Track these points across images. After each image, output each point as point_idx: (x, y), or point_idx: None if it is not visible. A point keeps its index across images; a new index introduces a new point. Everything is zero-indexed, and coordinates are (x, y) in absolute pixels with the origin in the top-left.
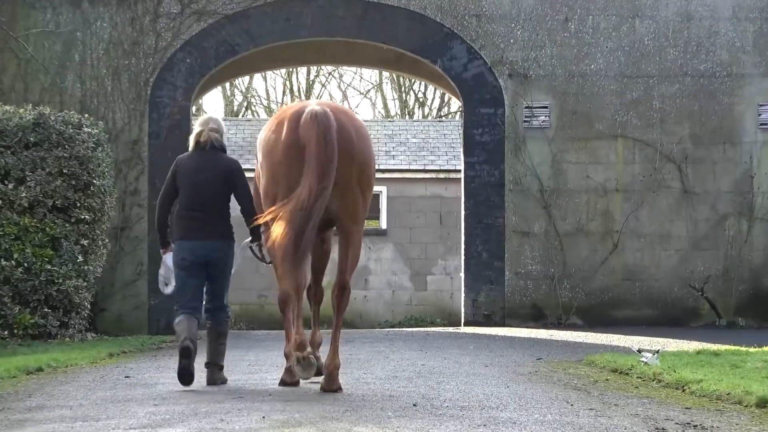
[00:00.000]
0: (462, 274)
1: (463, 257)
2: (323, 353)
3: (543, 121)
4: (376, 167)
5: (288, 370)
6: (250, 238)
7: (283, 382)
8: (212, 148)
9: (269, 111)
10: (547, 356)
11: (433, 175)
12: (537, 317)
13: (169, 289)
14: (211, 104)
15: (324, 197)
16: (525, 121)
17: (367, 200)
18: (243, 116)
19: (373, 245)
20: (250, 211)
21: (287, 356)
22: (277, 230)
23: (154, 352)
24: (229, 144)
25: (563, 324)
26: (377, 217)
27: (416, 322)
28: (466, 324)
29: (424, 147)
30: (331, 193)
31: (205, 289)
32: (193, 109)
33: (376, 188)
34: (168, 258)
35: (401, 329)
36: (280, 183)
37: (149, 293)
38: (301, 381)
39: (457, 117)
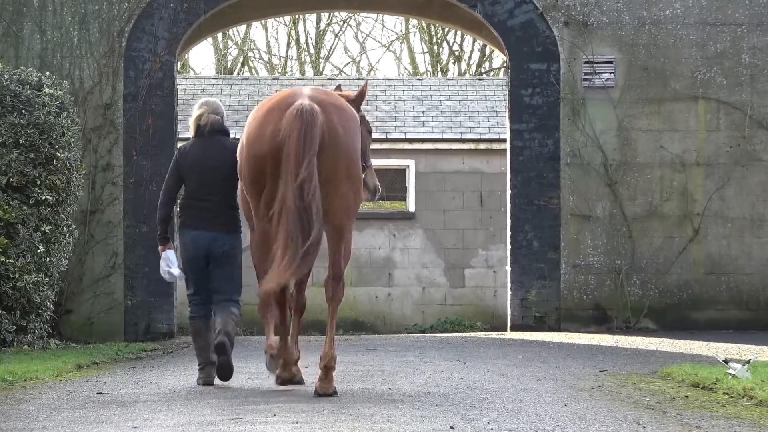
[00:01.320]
0: (508, 268)
1: (509, 246)
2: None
3: (607, 80)
4: (404, 136)
5: (284, 366)
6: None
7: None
8: (214, 132)
9: (271, 68)
10: (613, 368)
11: (472, 146)
12: (600, 320)
13: (175, 274)
14: (200, 60)
15: (310, 191)
16: (585, 80)
17: (358, 195)
18: (239, 74)
19: (399, 232)
20: None
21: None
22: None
23: (133, 363)
24: (226, 108)
25: (632, 328)
26: (403, 198)
27: (452, 326)
28: (513, 328)
29: (460, 111)
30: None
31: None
32: (178, 65)
33: (402, 162)
34: (168, 254)
35: (434, 335)
36: (257, 180)
37: (126, 291)
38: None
39: (501, 74)
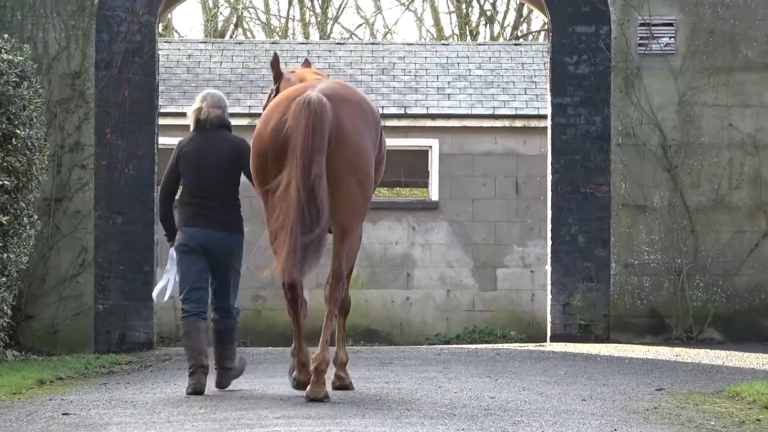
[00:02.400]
0: (548, 267)
1: (549, 242)
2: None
3: (666, 45)
4: (426, 111)
5: (299, 368)
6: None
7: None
8: (215, 126)
9: (269, 30)
10: (672, 386)
11: (507, 123)
12: (657, 329)
13: (158, 292)
14: (186, 21)
15: (319, 188)
16: (640, 45)
17: (366, 191)
18: (232, 37)
19: (419, 224)
20: None
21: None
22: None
23: (104, 379)
24: (215, 77)
25: (694, 339)
26: (425, 184)
27: (481, 336)
28: (554, 339)
29: (492, 82)
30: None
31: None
32: (160, 27)
33: (423, 142)
34: (174, 252)
35: (460, 346)
36: (265, 173)
37: (96, 293)
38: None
39: (542, 39)
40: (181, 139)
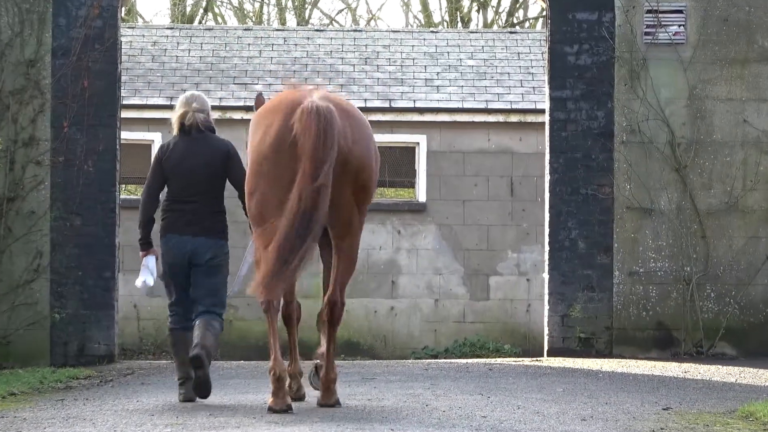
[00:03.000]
0: (546, 275)
1: (547, 248)
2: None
3: (675, 34)
4: (413, 104)
5: (276, 394)
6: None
7: (271, 409)
8: (200, 130)
9: (242, 15)
10: (680, 405)
11: (501, 118)
12: (663, 343)
13: (149, 283)
14: (150, 5)
15: (322, 198)
16: (647, 34)
17: (363, 208)
18: (201, 23)
19: (405, 228)
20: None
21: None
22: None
23: (61, 394)
24: (182, 66)
25: (705, 354)
26: (412, 184)
27: (472, 350)
28: (552, 353)
29: (485, 73)
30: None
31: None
32: (123, 11)
33: (410, 138)
34: (149, 260)
35: (449, 360)
36: (264, 180)
37: (53, 301)
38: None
39: (539, 26)
40: (164, 142)
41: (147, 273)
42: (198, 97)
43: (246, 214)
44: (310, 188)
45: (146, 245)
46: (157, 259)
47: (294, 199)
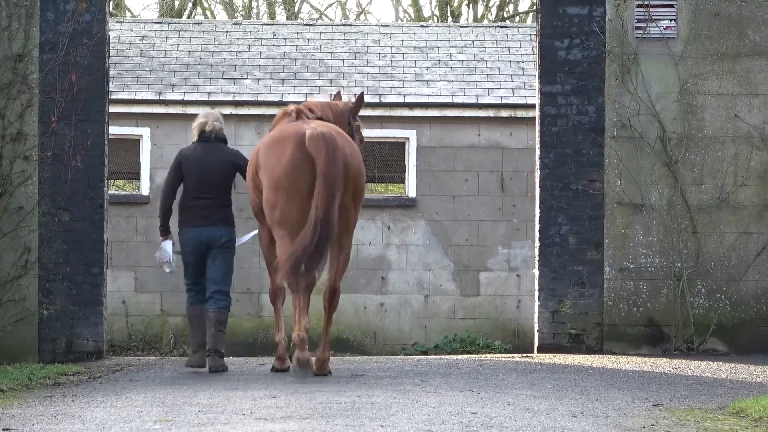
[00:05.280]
0: (536, 271)
1: (537, 244)
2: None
3: (666, 29)
4: (403, 99)
5: (279, 358)
6: (255, 232)
7: (274, 369)
8: (216, 139)
9: (231, 10)
10: (671, 401)
11: (491, 113)
12: (654, 339)
13: (168, 268)
14: (138, 0)
15: (334, 210)
16: (638, 28)
17: (358, 209)
18: (190, 17)
19: (395, 224)
20: None
21: (277, 345)
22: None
23: (49, 391)
24: (171, 60)
25: (696, 350)
26: (401, 180)
27: (462, 346)
28: (542, 349)
29: (476, 68)
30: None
31: (206, 276)
32: (111, 5)
33: (400, 133)
34: (167, 244)
35: (439, 357)
36: (284, 194)
37: (41, 297)
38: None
39: (530, 21)
40: (183, 147)
41: (165, 255)
42: (217, 114)
43: (253, 212)
44: (328, 203)
45: (165, 231)
46: (173, 243)
47: (315, 208)
